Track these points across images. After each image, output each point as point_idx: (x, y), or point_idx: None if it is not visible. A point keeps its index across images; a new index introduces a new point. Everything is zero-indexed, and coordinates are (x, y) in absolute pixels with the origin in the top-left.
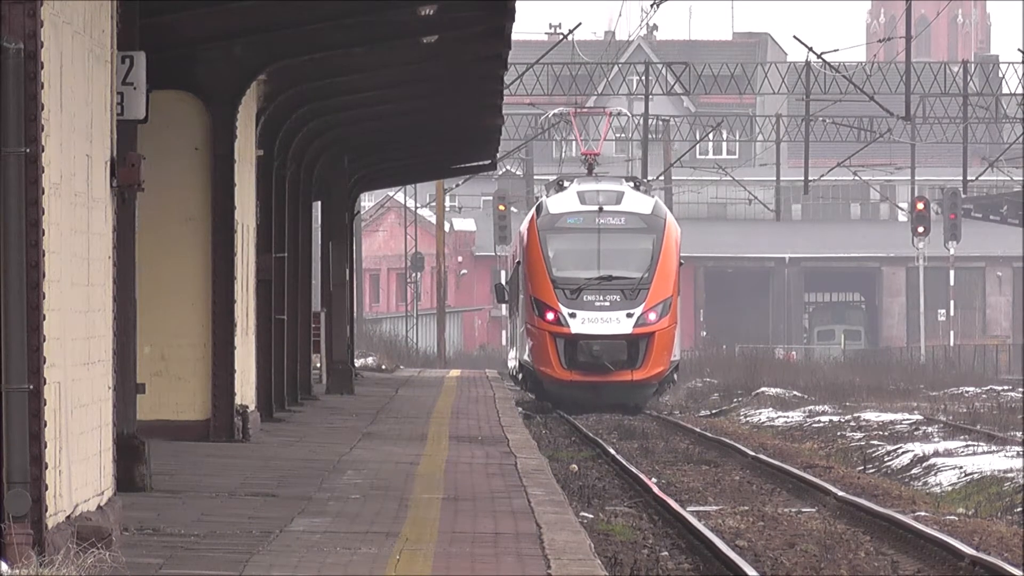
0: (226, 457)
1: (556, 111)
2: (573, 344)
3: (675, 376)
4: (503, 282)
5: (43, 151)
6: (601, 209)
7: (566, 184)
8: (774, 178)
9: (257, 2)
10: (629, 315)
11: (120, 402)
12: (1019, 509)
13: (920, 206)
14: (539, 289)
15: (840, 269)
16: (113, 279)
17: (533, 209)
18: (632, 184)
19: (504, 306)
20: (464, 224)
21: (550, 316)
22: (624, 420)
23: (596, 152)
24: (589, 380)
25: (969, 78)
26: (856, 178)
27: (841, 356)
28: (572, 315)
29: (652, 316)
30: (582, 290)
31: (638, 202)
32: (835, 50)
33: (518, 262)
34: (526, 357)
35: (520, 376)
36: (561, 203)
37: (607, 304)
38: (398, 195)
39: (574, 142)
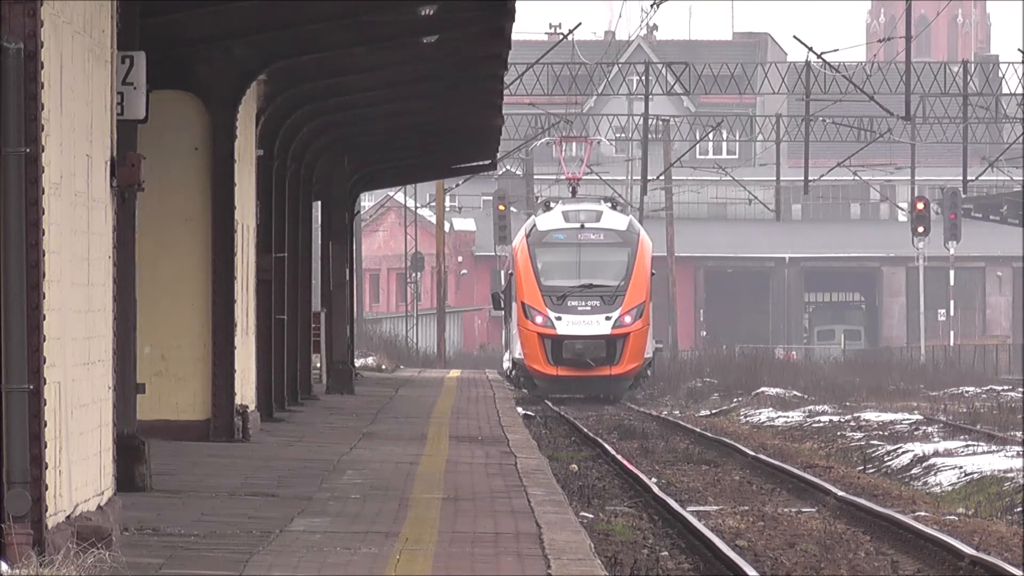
0: (226, 457)
1: (544, 140)
2: (559, 343)
3: (648, 372)
4: (499, 292)
5: (43, 151)
6: (583, 226)
7: (552, 205)
8: (774, 178)
9: (257, 2)
10: (607, 318)
11: (120, 402)
12: (1019, 509)
13: (920, 206)
14: (529, 296)
15: (840, 269)
16: (113, 279)
17: (524, 227)
18: (610, 204)
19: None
20: (464, 224)
21: (539, 319)
22: (624, 420)
23: (579, 177)
24: (573, 375)
25: (969, 78)
26: (856, 178)
27: (841, 356)
28: (558, 318)
29: (628, 319)
30: (566, 296)
31: (615, 220)
32: (835, 50)
33: (510, 273)
34: (518, 355)
35: (513, 373)
36: (548, 221)
37: (588, 309)
38: (398, 195)
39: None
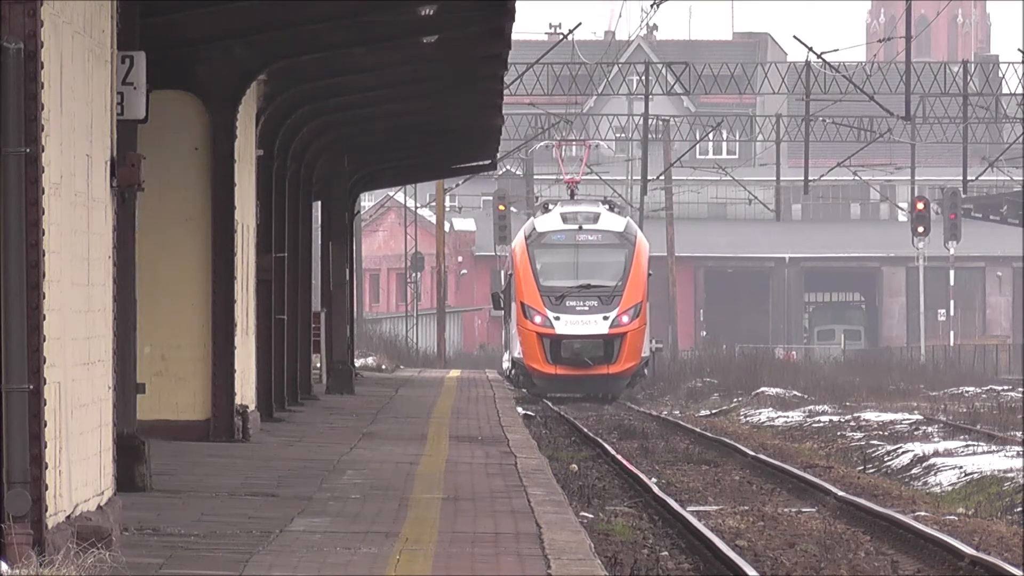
0: (226, 457)
1: (543, 144)
2: (557, 343)
3: (645, 370)
4: (499, 292)
5: (43, 151)
6: (581, 228)
7: (551, 206)
8: (774, 178)
9: (257, 2)
10: (605, 318)
11: (120, 402)
12: (1019, 509)
13: (920, 206)
14: (528, 296)
15: (840, 269)
16: (113, 279)
17: (523, 228)
18: (607, 206)
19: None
20: (464, 224)
21: (538, 319)
22: (624, 420)
23: (577, 180)
24: (571, 373)
25: (969, 78)
26: (856, 178)
27: (841, 356)
28: (556, 318)
29: (625, 319)
30: (565, 297)
31: (612, 221)
32: (835, 50)
33: (510, 274)
34: (517, 354)
35: (512, 372)
36: (547, 223)
37: (586, 309)
38: (398, 195)
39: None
